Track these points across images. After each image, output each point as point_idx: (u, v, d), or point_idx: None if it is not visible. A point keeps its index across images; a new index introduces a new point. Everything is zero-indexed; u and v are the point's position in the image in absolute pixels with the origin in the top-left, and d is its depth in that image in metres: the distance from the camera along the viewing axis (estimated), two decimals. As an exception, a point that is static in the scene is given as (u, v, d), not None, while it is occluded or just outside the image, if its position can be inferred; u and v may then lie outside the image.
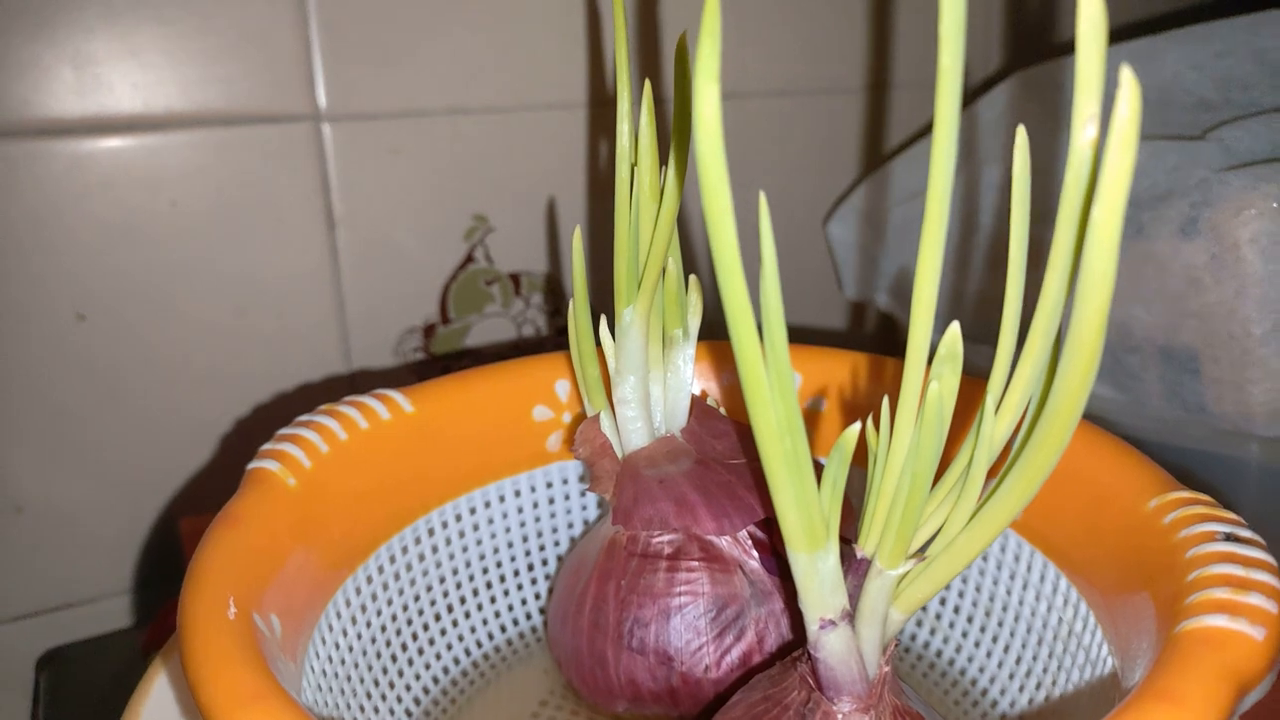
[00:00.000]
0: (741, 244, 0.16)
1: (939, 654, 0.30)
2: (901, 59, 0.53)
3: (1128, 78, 0.13)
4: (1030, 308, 0.18)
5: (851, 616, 0.20)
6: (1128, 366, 0.36)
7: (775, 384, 0.18)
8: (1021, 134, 0.17)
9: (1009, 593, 0.28)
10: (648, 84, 0.26)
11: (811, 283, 0.56)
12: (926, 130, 0.52)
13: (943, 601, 0.30)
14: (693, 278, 0.28)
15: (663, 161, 0.26)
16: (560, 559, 0.33)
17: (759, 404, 0.18)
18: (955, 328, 0.18)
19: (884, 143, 0.54)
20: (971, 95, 0.48)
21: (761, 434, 0.18)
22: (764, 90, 0.50)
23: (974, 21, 0.55)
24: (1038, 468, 0.17)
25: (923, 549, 0.20)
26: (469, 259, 0.46)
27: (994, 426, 0.18)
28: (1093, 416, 0.27)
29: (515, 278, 0.47)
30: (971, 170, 0.43)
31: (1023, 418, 0.18)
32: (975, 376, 0.24)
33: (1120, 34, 0.43)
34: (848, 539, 0.21)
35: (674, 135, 0.26)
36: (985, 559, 0.28)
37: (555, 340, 0.49)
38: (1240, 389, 0.32)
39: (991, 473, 0.19)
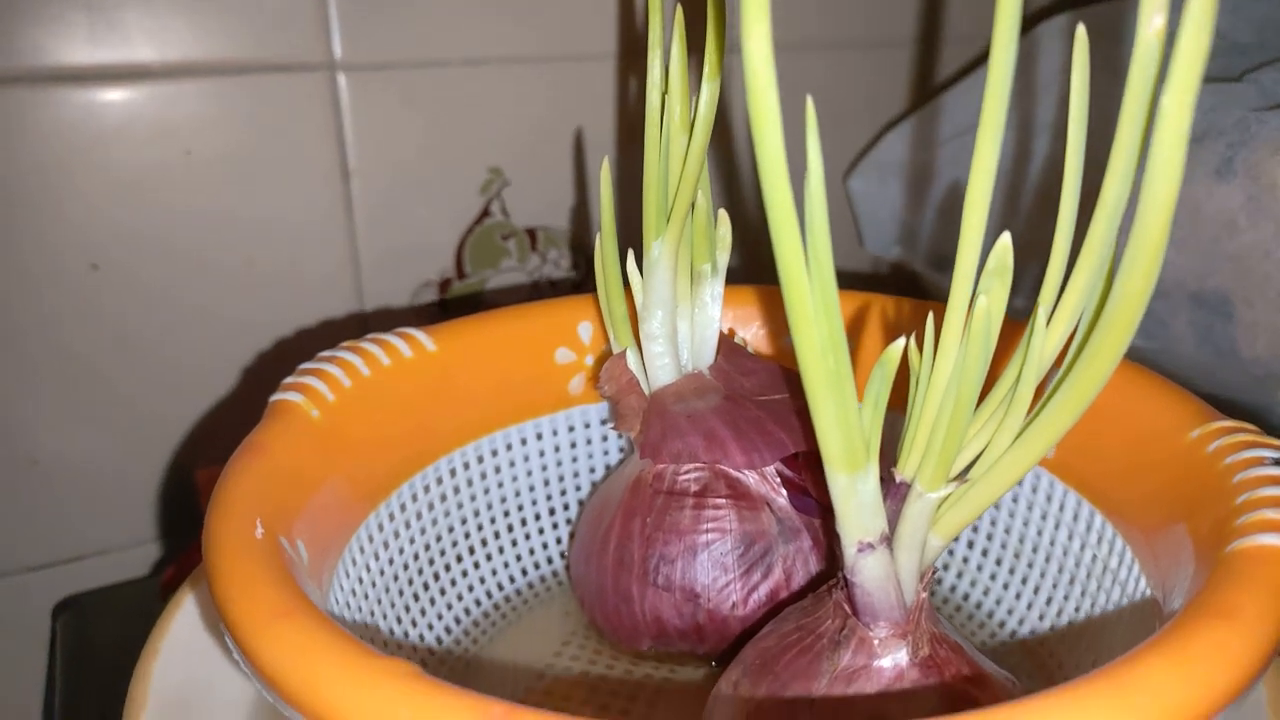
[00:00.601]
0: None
1: (966, 597, 0.30)
2: (912, 17, 0.53)
3: (1202, -45, 0.13)
4: (1082, 233, 0.17)
5: (889, 541, 0.20)
6: (1156, 313, 0.35)
7: (819, 298, 0.17)
8: (1081, 31, 0.16)
9: (1040, 533, 0.27)
10: (679, 10, 0.25)
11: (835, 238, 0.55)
12: (944, 85, 0.51)
13: (970, 544, 0.30)
14: (722, 212, 0.28)
15: (693, 92, 0.26)
16: (581, 503, 0.33)
17: (801, 319, 0.17)
18: (1006, 237, 0.17)
19: (899, 99, 0.53)
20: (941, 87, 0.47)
21: (804, 351, 0.17)
22: (781, 44, 0.50)
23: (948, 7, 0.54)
24: (1091, 380, 0.16)
25: (964, 472, 0.19)
26: (485, 213, 0.46)
27: (1044, 341, 0.17)
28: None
29: (532, 233, 0.47)
30: (1021, 111, 0.42)
31: (1070, 338, 0.18)
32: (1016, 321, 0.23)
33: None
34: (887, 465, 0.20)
35: (706, 66, 0.25)
36: (1013, 499, 0.28)
37: (572, 288, 0.49)
38: (1275, 331, 0.32)
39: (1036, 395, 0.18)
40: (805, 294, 0.17)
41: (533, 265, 0.48)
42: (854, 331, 0.31)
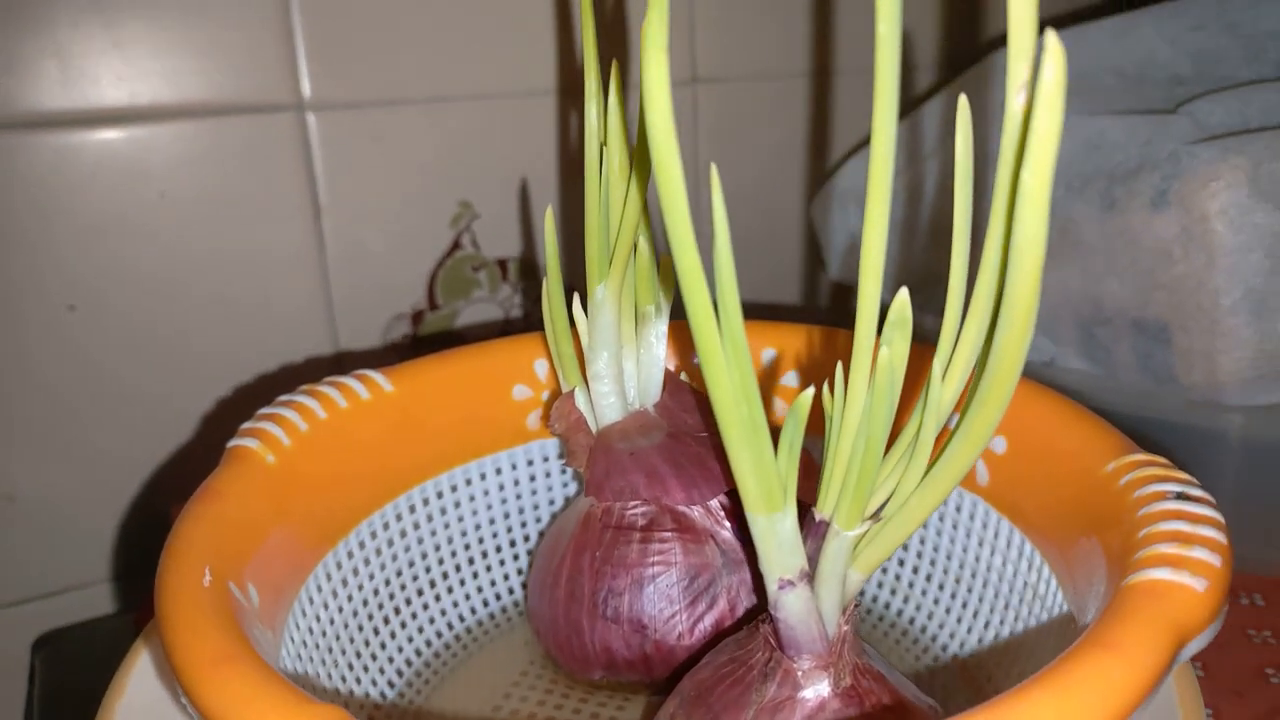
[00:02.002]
0: (702, 223, 0.17)
1: (907, 618, 0.31)
2: (872, 46, 0.54)
3: (1053, 43, 0.14)
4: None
5: (811, 577, 0.20)
6: (1100, 339, 0.36)
7: (730, 351, 0.18)
8: (963, 101, 0.17)
9: (966, 551, 0.28)
10: (615, 64, 0.26)
11: (801, 265, 0.56)
12: (903, 113, 0.52)
13: (915, 570, 0.31)
14: (664, 255, 0.29)
15: (632, 142, 0.27)
16: (542, 534, 0.34)
17: (715, 371, 0.18)
18: (904, 293, 0.18)
19: (866, 125, 0.55)
20: (916, 103, 0.49)
21: (718, 400, 0.18)
22: (745, 74, 0.51)
23: (913, 36, 0.55)
24: (982, 428, 0.17)
25: (878, 511, 0.20)
26: (455, 245, 0.47)
27: (941, 392, 0.18)
28: (1063, 388, 0.27)
29: (502, 263, 0.48)
30: (918, 165, 0.43)
31: (971, 381, 0.19)
32: (928, 344, 0.24)
33: (1097, 11, 0.44)
34: (810, 504, 0.21)
35: (642, 118, 0.26)
36: (954, 526, 0.29)
37: (538, 322, 0.50)
38: (1209, 359, 0.33)
39: (943, 436, 0.19)
40: (716, 347, 0.18)
41: (504, 295, 0.49)
42: (800, 363, 0.32)
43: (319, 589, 0.26)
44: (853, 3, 0.52)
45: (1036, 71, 0.14)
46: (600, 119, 0.26)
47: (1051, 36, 0.14)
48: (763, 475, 0.19)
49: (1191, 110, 0.35)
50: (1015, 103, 0.15)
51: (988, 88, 0.42)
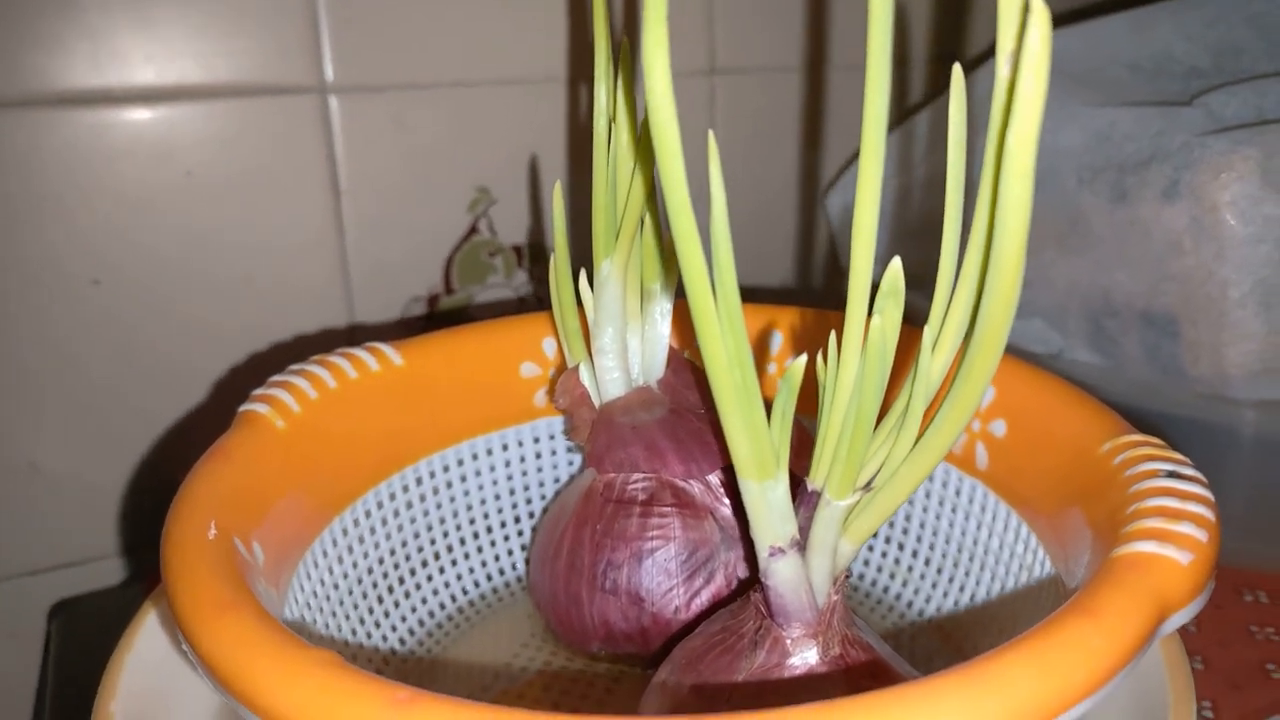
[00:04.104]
0: (705, 207, 0.17)
1: (905, 600, 0.31)
2: (899, 35, 0.54)
3: (1038, 6, 0.14)
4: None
5: (802, 546, 0.21)
6: (1108, 331, 0.36)
7: (724, 317, 0.18)
8: (957, 70, 0.17)
9: (964, 534, 0.29)
10: (625, 41, 0.27)
11: (814, 254, 0.56)
12: (919, 106, 0.52)
13: (914, 553, 0.31)
14: (669, 234, 0.29)
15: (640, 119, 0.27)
16: (545, 511, 0.34)
17: (709, 338, 0.18)
18: (897, 262, 0.18)
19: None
20: (911, 109, 0.49)
21: (712, 366, 0.19)
22: (762, 65, 0.51)
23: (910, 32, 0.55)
24: (968, 399, 0.18)
25: (869, 482, 0.20)
26: (472, 230, 0.47)
27: (930, 363, 0.18)
28: (1070, 380, 0.27)
29: (518, 249, 0.48)
30: (912, 170, 0.43)
31: (960, 354, 0.19)
32: (920, 326, 0.25)
33: (1115, 5, 0.44)
34: (802, 478, 0.22)
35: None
36: (953, 509, 0.29)
37: (548, 301, 0.50)
38: (1217, 351, 0.33)
39: (933, 407, 0.19)
40: (711, 312, 0.18)
41: (519, 281, 0.49)
42: (781, 341, 0.32)
43: (324, 554, 0.27)
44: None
45: (1022, 41, 0.14)
46: (609, 97, 0.27)
47: (1037, 3, 0.14)
48: (755, 441, 0.19)
49: (1205, 102, 0.35)
50: (1003, 70, 0.15)
51: (978, 99, 0.42)
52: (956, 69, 0.17)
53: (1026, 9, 0.14)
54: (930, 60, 0.55)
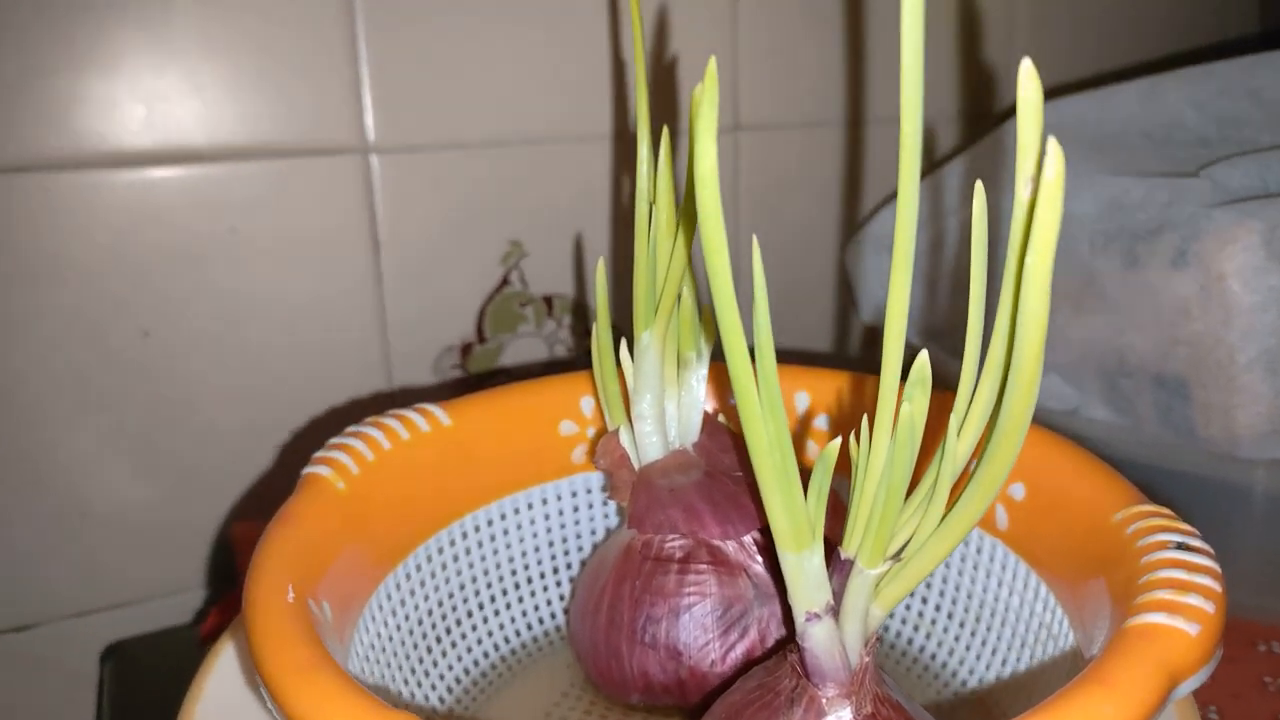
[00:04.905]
0: (744, 275, 0.19)
1: (929, 654, 0.32)
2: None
3: (1054, 147, 0.16)
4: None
5: (836, 611, 0.22)
6: (1123, 391, 0.38)
7: (765, 403, 0.20)
8: (979, 186, 0.19)
9: (985, 591, 0.30)
10: (665, 129, 0.29)
11: (834, 310, 0.58)
12: (940, 162, 0.54)
13: (937, 607, 0.32)
14: (706, 305, 0.31)
15: (678, 198, 0.29)
16: (583, 563, 0.36)
17: (751, 421, 0.20)
18: (924, 355, 0.20)
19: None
20: (941, 160, 0.51)
21: (754, 448, 0.20)
22: (786, 122, 0.53)
23: (939, 90, 0.57)
24: (992, 481, 0.19)
25: (899, 552, 0.22)
26: (504, 282, 0.49)
27: (956, 446, 0.20)
28: (1087, 438, 0.29)
29: (548, 300, 0.50)
30: (941, 220, 0.45)
31: (985, 434, 0.21)
32: (950, 391, 0.26)
33: (1124, 74, 0.45)
34: (837, 544, 0.23)
35: (689, 177, 0.29)
36: (975, 567, 0.31)
37: (584, 360, 0.52)
38: (1226, 414, 0.34)
39: (960, 482, 0.21)
40: (754, 399, 0.20)
41: (548, 330, 0.51)
42: (829, 406, 0.34)
43: (380, 608, 0.28)
44: (891, 52, 0.54)
45: (1041, 167, 0.16)
46: (650, 181, 0.29)
47: (1053, 142, 0.16)
48: (793, 516, 0.21)
49: (1212, 173, 0.37)
50: (1023, 193, 0.17)
51: (1005, 150, 0.44)
52: (979, 185, 0.19)
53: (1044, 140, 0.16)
54: (949, 119, 0.57)
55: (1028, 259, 0.16)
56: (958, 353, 0.21)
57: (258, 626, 0.21)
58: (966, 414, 0.20)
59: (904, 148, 0.17)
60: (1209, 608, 0.20)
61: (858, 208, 0.56)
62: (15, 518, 0.41)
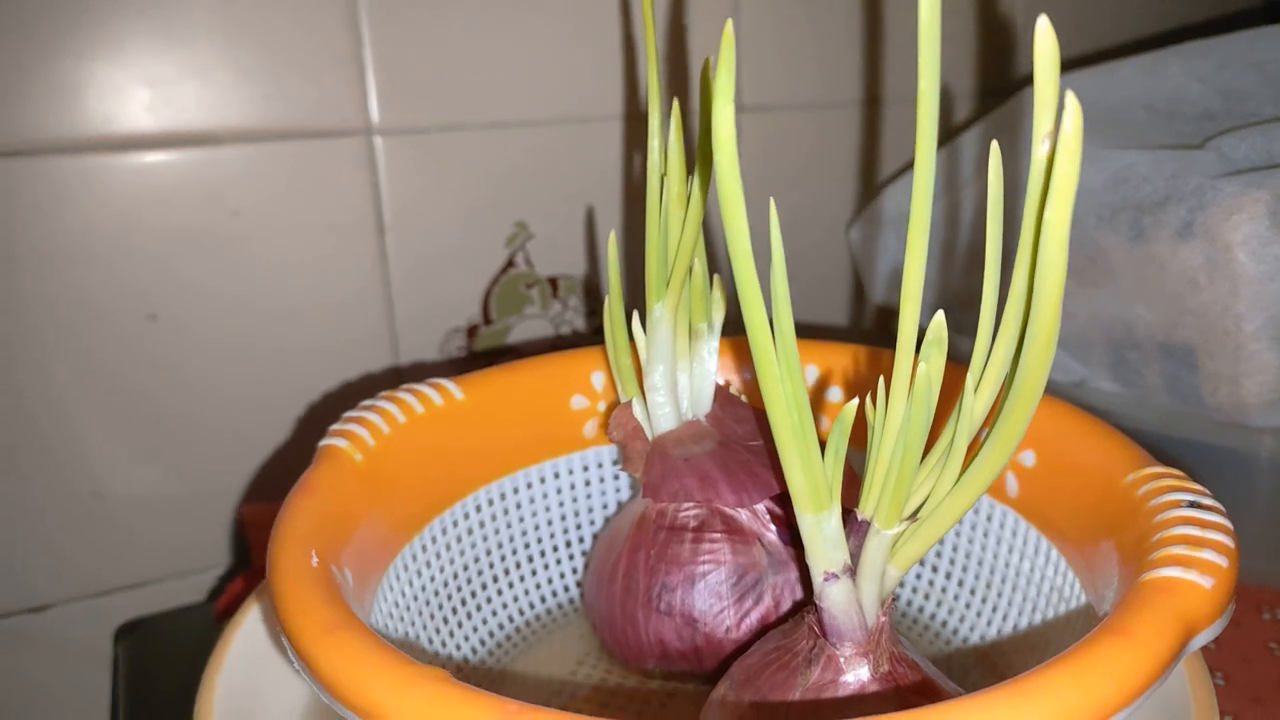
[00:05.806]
0: (762, 247, 0.19)
1: (940, 620, 0.33)
2: (912, 74, 0.56)
3: (1072, 101, 0.16)
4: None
5: (853, 572, 0.23)
6: (1130, 362, 0.38)
7: (784, 365, 0.20)
8: (995, 148, 0.19)
9: (996, 558, 0.30)
10: (676, 102, 0.29)
11: (844, 289, 0.58)
12: (943, 140, 0.54)
13: (948, 575, 0.33)
14: (716, 276, 0.31)
15: (689, 171, 0.29)
16: (595, 536, 0.36)
17: (770, 383, 0.20)
18: (940, 315, 0.20)
19: (907, 152, 0.57)
20: (954, 132, 0.51)
21: (772, 408, 0.21)
22: (790, 103, 0.53)
23: (951, 66, 0.57)
24: (1009, 438, 0.19)
25: (915, 512, 0.22)
26: (510, 264, 0.49)
27: (973, 404, 0.20)
28: (1094, 409, 0.29)
29: (553, 281, 0.50)
30: (955, 192, 0.45)
31: (1000, 395, 0.21)
32: (960, 364, 0.27)
33: (1127, 49, 0.46)
34: (852, 509, 0.23)
35: (699, 149, 0.29)
36: (985, 534, 0.31)
37: (591, 339, 0.52)
38: (1234, 382, 0.34)
39: (974, 445, 0.21)
40: (772, 361, 0.20)
41: (554, 311, 0.51)
42: (840, 379, 0.34)
43: (397, 577, 0.29)
44: (895, 32, 0.54)
45: (1058, 123, 0.16)
46: (661, 154, 0.29)
47: (1071, 95, 0.16)
48: (811, 477, 0.21)
49: (1218, 145, 0.37)
50: (1040, 150, 0.17)
51: (1019, 120, 0.44)
52: (994, 148, 0.19)
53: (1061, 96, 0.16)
54: (954, 97, 0.57)
55: (1046, 212, 0.16)
56: (965, 329, 0.22)
57: (283, 590, 0.21)
58: (983, 373, 0.20)
59: (922, 98, 0.17)
60: (1222, 562, 0.20)
61: (864, 190, 0.57)
62: (30, 500, 0.42)
